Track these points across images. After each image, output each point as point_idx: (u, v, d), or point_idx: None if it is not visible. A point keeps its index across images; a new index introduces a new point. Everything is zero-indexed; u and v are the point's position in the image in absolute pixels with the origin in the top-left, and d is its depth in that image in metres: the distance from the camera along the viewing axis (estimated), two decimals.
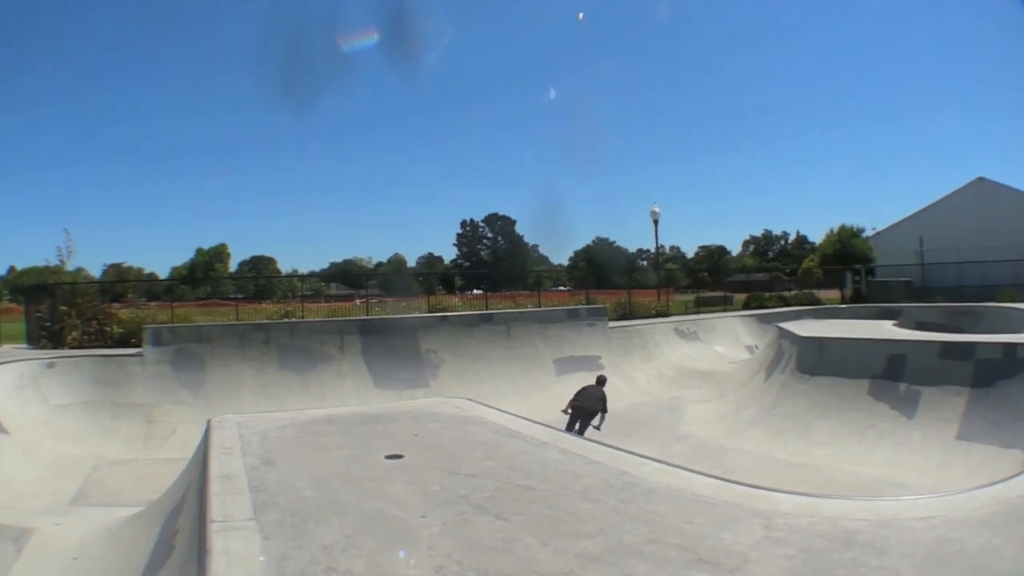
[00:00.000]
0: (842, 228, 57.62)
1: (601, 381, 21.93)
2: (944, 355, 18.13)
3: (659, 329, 33.64)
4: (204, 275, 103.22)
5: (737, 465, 16.20)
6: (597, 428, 19.38)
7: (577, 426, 19.48)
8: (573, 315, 31.36)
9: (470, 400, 14.17)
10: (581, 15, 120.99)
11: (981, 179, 59.21)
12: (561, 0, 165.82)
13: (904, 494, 11.64)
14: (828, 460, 16.65)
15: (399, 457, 9.07)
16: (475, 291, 76.51)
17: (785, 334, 24.53)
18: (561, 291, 66.06)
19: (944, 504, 7.21)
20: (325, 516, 6.69)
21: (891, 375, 18.66)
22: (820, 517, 6.74)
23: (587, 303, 35.66)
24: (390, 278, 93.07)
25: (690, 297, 51.72)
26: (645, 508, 7.00)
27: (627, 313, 38.12)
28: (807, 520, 6.67)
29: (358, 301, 40.19)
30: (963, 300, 43.48)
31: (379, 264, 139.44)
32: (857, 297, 50.38)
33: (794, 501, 7.31)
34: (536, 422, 11.53)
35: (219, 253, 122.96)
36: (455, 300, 43.83)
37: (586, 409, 19.90)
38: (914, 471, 15.19)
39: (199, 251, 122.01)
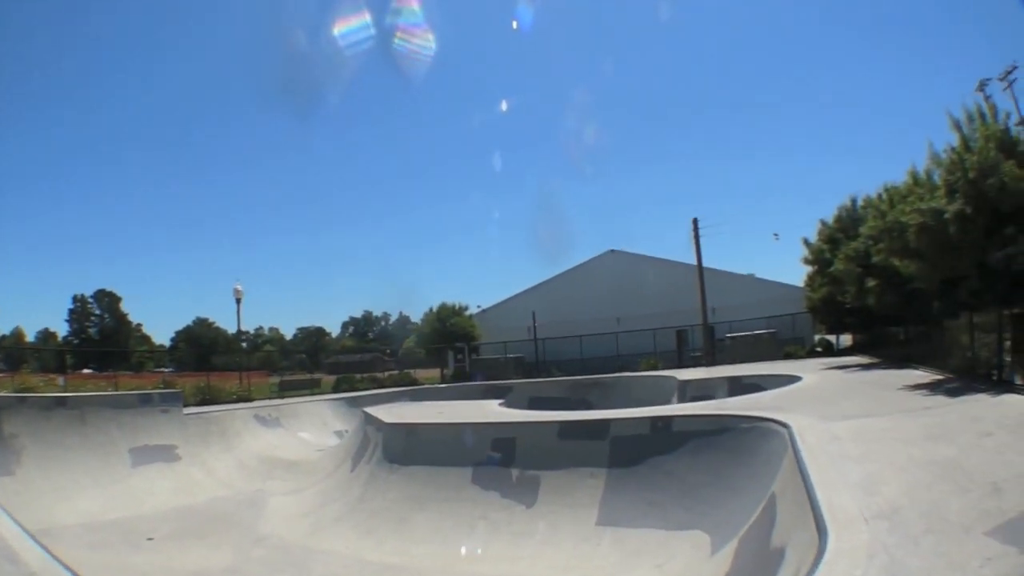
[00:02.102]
0: (442, 306, 54.61)
1: None
2: (565, 435, 16.28)
3: (239, 415, 30.18)
4: None
5: (324, 571, 14.12)
6: None
7: None
8: (146, 400, 27.37)
9: None
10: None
11: (613, 251, 58.59)
12: None
13: None
14: (432, 560, 14.19)
15: None
16: (85, 370, 68.19)
17: (370, 419, 22.52)
18: (163, 372, 63.23)
19: None
20: None
21: (498, 461, 16.55)
22: None
23: (163, 387, 33.30)
24: (11, 352, 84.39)
25: (275, 380, 48.24)
26: None
27: (208, 398, 34.84)
28: None
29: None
30: (589, 372, 42.48)
31: (3, 337, 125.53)
32: (461, 376, 48.41)
33: None
34: (41, 545, 8.18)
35: None
36: (58, 380, 38.99)
37: None
38: (546, 566, 13.06)
39: None
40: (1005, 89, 17.72)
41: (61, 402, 24.90)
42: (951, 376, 18.04)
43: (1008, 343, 15.41)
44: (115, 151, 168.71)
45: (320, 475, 22.99)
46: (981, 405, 12.56)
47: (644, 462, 14.31)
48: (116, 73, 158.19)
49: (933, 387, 16.56)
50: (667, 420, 15.29)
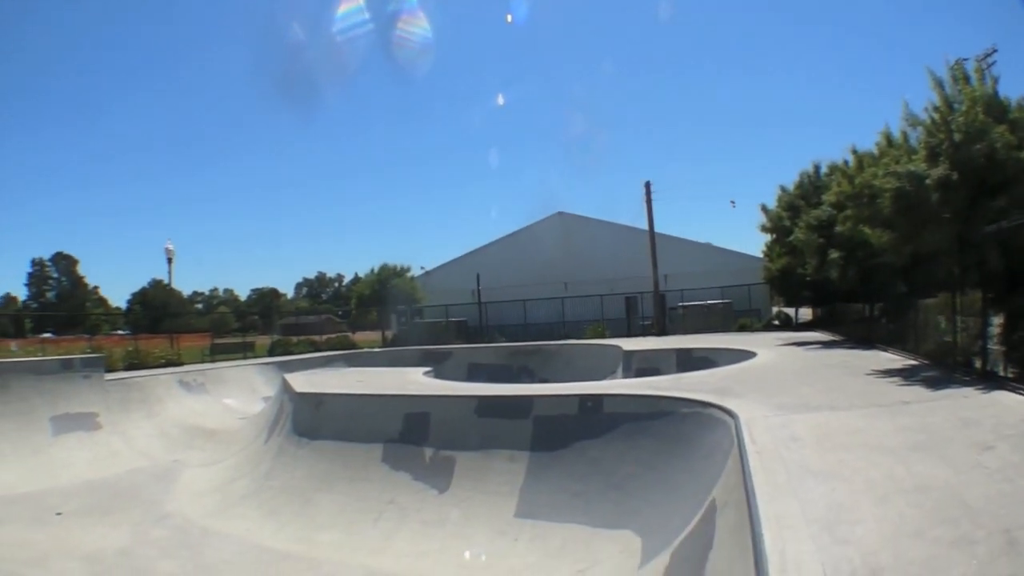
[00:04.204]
0: (383, 267, 51.71)
1: None
2: (484, 412, 14.70)
3: (162, 381, 28.04)
4: None
5: (217, 558, 12.84)
6: None
7: None
8: (67, 366, 25.74)
9: None
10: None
11: (561, 213, 55.63)
12: None
13: None
14: (333, 550, 12.77)
15: None
16: (44, 334, 65.87)
17: (287, 387, 20.82)
18: (118, 335, 59.27)
19: None
20: None
21: (411, 438, 14.98)
22: None
23: (89, 351, 30.91)
24: None
25: (206, 343, 45.26)
26: None
27: (135, 363, 32.55)
28: None
29: None
30: (533, 338, 40.66)
31: None
32: (402, 340, 46.52)
33: None
34: None
35: None
36: (12, 345, 40.12)
37: None
38: (455, 563, 11.66)
39: None
40: (985, 71, 15.65)
41: None
42: (926, 362, 16.12)
43: (995, 329, 13.40)
44: (77, 117, 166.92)
45: (238, 446, 21.56)
46: (971, 403, 10.46)
47: (570, 446, 12.88)
48: (80, 39, 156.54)
49: (908, 374, 14.47)
50: (597, 399, 13.65)
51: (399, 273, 49.74)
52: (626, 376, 25.04)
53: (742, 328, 37.62)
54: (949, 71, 14.54)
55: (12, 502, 16.05)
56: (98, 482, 18.48)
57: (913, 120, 15.21)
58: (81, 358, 27.20)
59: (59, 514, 15.53)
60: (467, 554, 12.26)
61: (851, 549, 4.71)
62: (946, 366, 14.66)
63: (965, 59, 15.14)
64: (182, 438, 23.96)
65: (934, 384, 12.74)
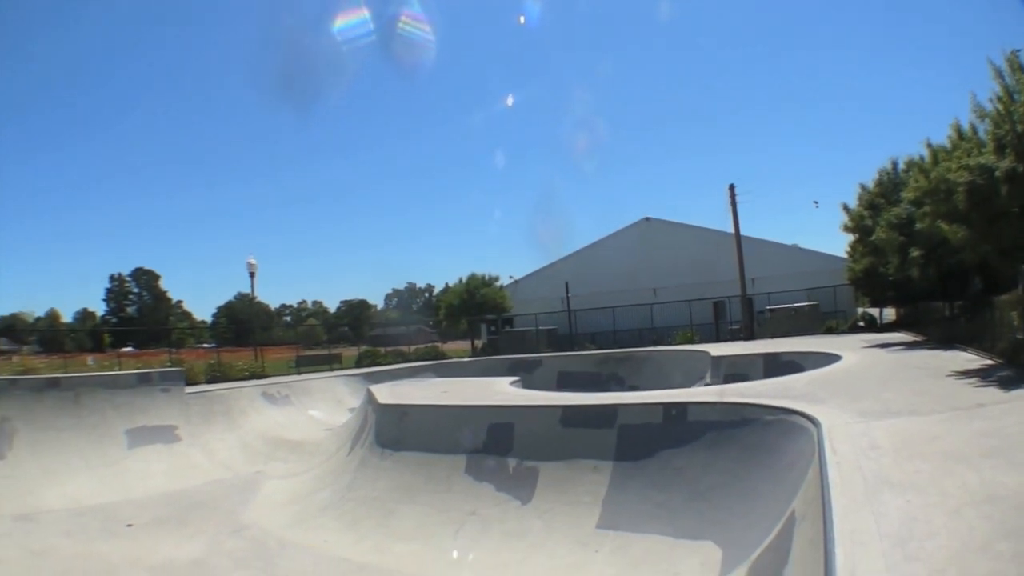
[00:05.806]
0: (472, 277, 52.00)
1: None
2: (569, 422, 14.57)
3: (245, 393, 28.81)
4: None
5: (292, 568, 13.03)
6: None
7: None
8: (145, 380, 26.33)
9: None
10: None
11: (648, 219, 55.47)
12: None
13: None
14: (412, 560, 12.85)
15: None
16: (124, 348, 68.07)
17: (371, 398, 20.93)
18: (203, 348, 61.51)
19: None
20: None
21: (494, 449, 14.95)
22: None
23: (170, 365, 31.99)
24: (45, 334, 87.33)
25: (292, 356, 45.23)
26: None
27: (218, 375, 33.33)
28: None
29: (15, 358, 37.92)
30: (622, 345, 41.12)
31: (38, 319, 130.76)
32: (491, 349, 46.51)
33: None
34: None
35: None
36: (88, 359, 40.99)
37: None
38: (534, 574, 11.51)
39: None
40: None
41: (53, 383, 24.33)
42: (1000, 361, 15.86)
43: None
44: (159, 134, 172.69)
45: (321, 457, 21.85)
46: None
47: (654, 456, 12.71)
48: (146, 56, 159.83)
49: (984, 375, 14.30)
50: (682, 408, 13.47)
51: (487, 283, 50.13)
52: (714, 382, 25.15)
53: (828, 330, 37.40)
54: (1006, 61, 14.40)
55: (83, 514, 16.42)
56: (175, 494, 18.91)
57: (981, 112, 15.06)
58: (160, 371, 27.90)
59: (129, 526, 15.81)
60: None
61: (920, 567, 4.80)
62: (1018, 365, 14.41)
63: (1018, 50, 15.01)
64: (264, 450, 24.38)
65: (1008, 384, 12.65)
